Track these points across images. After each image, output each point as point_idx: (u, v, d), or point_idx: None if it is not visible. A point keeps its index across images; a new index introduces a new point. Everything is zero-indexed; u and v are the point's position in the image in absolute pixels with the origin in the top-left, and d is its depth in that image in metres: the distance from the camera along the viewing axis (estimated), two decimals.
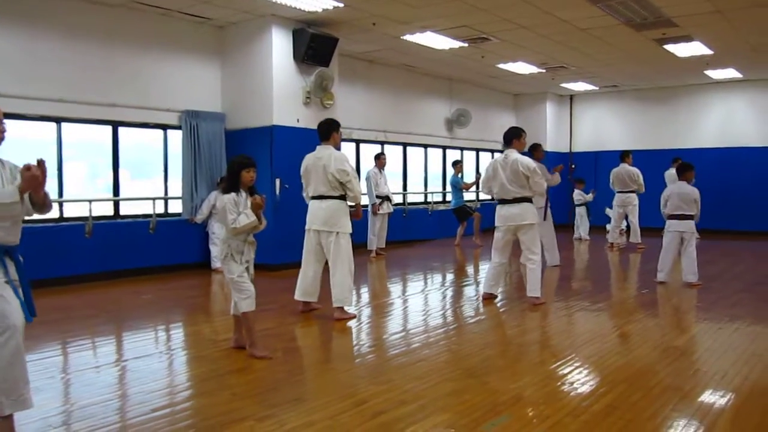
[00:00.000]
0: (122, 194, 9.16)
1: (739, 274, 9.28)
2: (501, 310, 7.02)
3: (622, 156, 12.30)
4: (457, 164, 13.15)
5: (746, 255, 11.67)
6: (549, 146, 17.27)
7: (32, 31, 8.00)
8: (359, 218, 7.01)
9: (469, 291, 8.37)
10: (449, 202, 15.08)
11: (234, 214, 4.78)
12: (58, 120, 8.33)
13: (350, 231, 6.44)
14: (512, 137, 7.17)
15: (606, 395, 4.05)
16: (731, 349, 5.18)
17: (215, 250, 9.55)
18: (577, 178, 14.80)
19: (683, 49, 11.61)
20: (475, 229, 13.12)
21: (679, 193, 7.96)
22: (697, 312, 6.74)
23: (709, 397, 4.08)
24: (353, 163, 12.55)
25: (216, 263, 9.55)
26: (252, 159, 4.95)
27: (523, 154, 7.15)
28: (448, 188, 14.53)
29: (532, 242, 6.98)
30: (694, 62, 12.76)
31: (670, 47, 11.41)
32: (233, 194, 4.84)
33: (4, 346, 3.23)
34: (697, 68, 13.49)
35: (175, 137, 9.66)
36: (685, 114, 16.16)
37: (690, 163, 8.48)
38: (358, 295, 8.19)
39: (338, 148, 6.48)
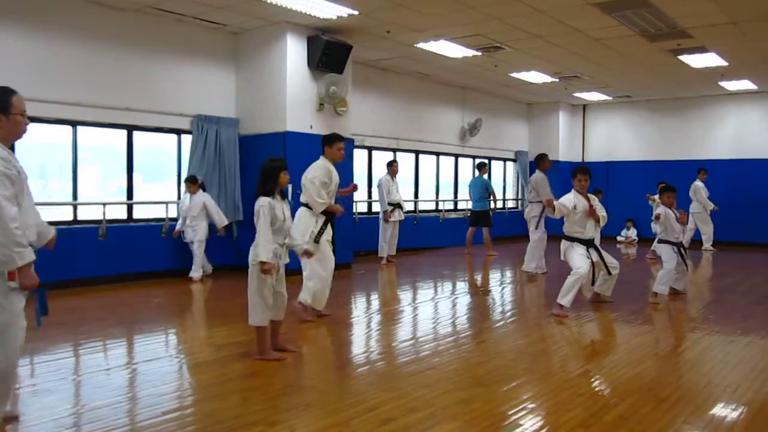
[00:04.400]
0: (135, 198, 9.22)
1: (752, 287, 9.20)
2: (511, 319, 7.00)
3: None
4: (483, 167, 13.17)
5: (760, 267, 11.56)
6: (561, 156, 17.29)
7: (49, 35, 8.09)
8: (338, 213, 6.62)
9: (479, 300, 8.36)
10: (461, 210, 15.15)
11: (266, 218, 4.85)
12: (73, 123, 8.42)
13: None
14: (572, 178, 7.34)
15: (617, 406, 4.03)
16: (743, 362, 5.14)
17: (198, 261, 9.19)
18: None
19: (698, 60, 11.57)
20: (485, 239, 13.04)
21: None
22: (709, 324, 6.69)
23: (720, 410, 4.05)
24: (365, 170, 12.67)
25: (194, 273, 9.12)
26: (285, 162, 5.07)
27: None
28: (464, 191, 14.55)
29: (567, 258, 7.13)
30: (708, 73, 12.72)
31: (684, 58, 11.37)
32: (269, 199, 4.90)
33: None
34: (711, 79, 13.44)
35: (189, 142, 9.71)
36: (698, 125, 16.08)
37: (671, 185, 8.33)
38: (369, 302, 8.20)
39: (337, 161, 6.57)
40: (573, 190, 7.21)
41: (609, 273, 7.30)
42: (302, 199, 6.48)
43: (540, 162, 10.09)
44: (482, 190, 12.80)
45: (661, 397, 4.20)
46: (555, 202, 6.93)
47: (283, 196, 5.12)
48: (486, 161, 14.07)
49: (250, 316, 4.94)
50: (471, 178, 13.50)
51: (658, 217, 7.82)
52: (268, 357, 4.97)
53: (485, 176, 13.06)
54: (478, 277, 10.35)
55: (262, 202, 4.88)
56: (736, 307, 7.57)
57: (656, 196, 11.90)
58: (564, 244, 7.19)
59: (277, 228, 4.94)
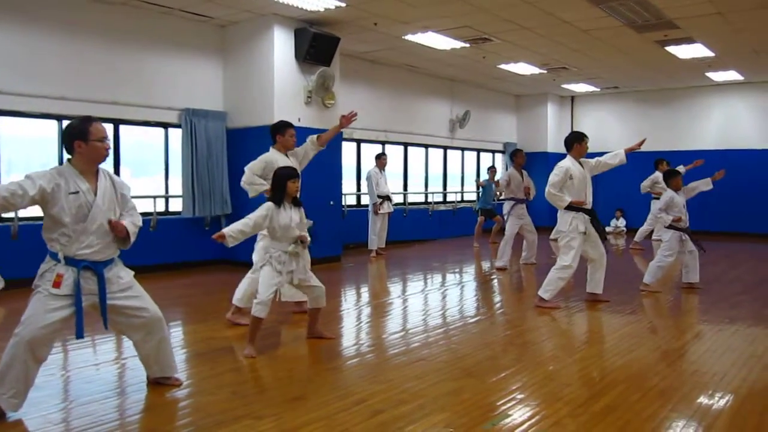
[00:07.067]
0: None
1: (739, 276, 9.28)
2: (500, 310, 7.02)
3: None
4: (491, 169, 13.17)
5: (746, 257, 11.67)
6: (550, 147, 17.34)
7: (34, 29, 8.01)
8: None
9: (469, 291, 8.38)
10: (450, 202, 15.22)
11: (257, 217, 4.92)
12: (59, 117, 8.33)
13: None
14: (572, 142, 7.35)
15: (605, 395, 4.06)
16: (730, 351, 5.19)
17: None
18: (490, 167, 14.76)
19: (685, 51, 11.62)
20: (476, 231, 13.08)
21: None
22: (696, 313, 6.74)
23: (707, 398, 4.08)
24: (354, 163, 12.65)
25: None
26: (296, 170, 5.21)
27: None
28: (453, 184, 14.64)
29: (562, 249, 7.00)
30: (695, 64, 12.77)
31: (671, 49, 11.41)
32: (272, 204, 4.99)
33: None
34: (698, 70, 13.50)
35: (177, 135, 9.67)
36: (686, 116, 16.16)
37: (674, 169, 8.39)
38: (359, 295, 8.21)
39: (288, 150, 6.19)
40: (568, 157, 7.28)
41: (605, 239, 7.15)
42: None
43: (514, 157, 10.20)
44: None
45: (648, 386, 4.23)
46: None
47: (297, 204, 5.12)
48: (494, 165, 14.29)
49: (252, 306, 4.98)
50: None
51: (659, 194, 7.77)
52: (249, 348, 4.97)
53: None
54: (469, 269, 10.37)
55: (266, 206, 4.99)
56: (723, 296, 7.63)
57: (648, 183, 12.03)
58: (565, 216, 7.02)
59: (279, 235, 5.00)
